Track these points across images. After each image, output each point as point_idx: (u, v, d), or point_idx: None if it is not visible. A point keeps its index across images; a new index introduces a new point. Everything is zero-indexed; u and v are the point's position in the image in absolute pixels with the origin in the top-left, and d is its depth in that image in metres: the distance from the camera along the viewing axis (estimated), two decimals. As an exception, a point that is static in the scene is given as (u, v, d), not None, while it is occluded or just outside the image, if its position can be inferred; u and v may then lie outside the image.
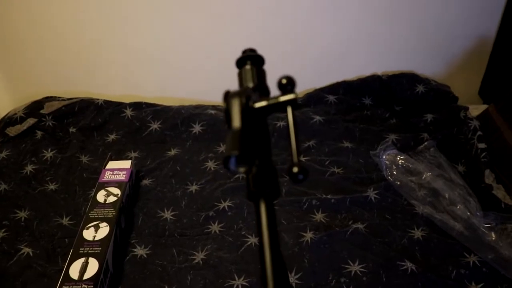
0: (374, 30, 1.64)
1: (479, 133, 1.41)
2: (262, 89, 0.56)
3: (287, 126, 0.50)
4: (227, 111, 0.50)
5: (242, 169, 0.45)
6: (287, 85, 0.50)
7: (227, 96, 0.51)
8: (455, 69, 1.73)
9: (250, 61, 0.58)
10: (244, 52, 0.59)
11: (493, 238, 1.17)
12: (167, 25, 1.63)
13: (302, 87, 1.69)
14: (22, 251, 1.17)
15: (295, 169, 0.46)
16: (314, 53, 1.67)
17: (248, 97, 0.51)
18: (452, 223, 1.22)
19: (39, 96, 1.65)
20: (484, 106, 1.56)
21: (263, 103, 0.51)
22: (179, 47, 1.67)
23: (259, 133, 0.51)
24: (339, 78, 1.67)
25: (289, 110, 0.50)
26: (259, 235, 0.47)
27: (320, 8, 1.59)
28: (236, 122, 0.48)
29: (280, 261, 0.47)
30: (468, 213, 1.22)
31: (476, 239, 1.18)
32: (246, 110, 0.49)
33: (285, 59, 1.62)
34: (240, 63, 0.59)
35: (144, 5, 1.58)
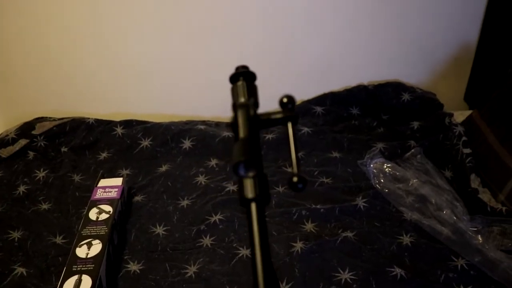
0: (358, 40, 1.68)
1: (464, 138, 1.43)
2: (253, 104, 0.60)
3: (286, 139, 0.56)
4: (235, 121, 0.55)
5: (251, 174, 0.50)
6: (288, 103, 0.58)
7: (235, 106, 0.57)
8: (439, 76, 1.77)
9: (243, 77, 0.62)
10: (237, 68, 0.64)
11: (480, 241, 1.19)
12: (155, 42, 1.66)
13: (290, 100, 1.72)
14: (16, 271, 1.18)
15: (295, 179, 0.51)
16: (300, 66, 1.70)
17: (254, 109, 0.57)
18: (440, 228, 1.24)
19: (30, 117, 1.67)
20: (470, 112, 1.59)
21: (267, 116, 0.57)
22: (168, 64, 1.70)
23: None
24: (326, 90, 1.70)
25: (290, 125, 0.57)
26: (250, 239, 0.50)
27: (304, 22, 1.63)
28: (244, 131, 0.53)
29: (271, 267, 0.49)
30: (455, 218, 1.24)
31: (463, 243, 1.20)
32: (252, 121, 0.55)
33: (271, 73, 1.65)
34: (233, 79, 0.63)
35: (132, 23, 1.61)
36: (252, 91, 0.62)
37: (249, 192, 0.50)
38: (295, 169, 0.53)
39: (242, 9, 1.61)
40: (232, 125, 0.55)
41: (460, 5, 1.63)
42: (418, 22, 1.65)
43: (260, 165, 0.52)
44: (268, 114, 0.57)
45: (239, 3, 1.59)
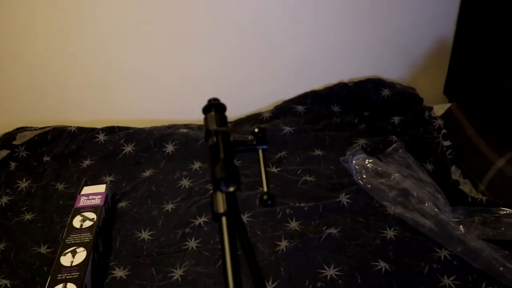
0: (338, 39, 1.70)
1: (443, 131, 1.45)
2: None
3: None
4: (216, 144, 0.65)
5: (231, 189, 0.59)
6: (259, 133, 0.69)
7: (217, 132, 0.66)
8: (419, 71, 1.79)
9: (214, 108, 0.72)
10: (209, 101, 0.73)
11: (462, 232, 1.21)
12: (136, 48, 1.66)
13: (271, 100, 1.73)
14: (0, 283, 1.17)
15: (265, 197, 0.62)
16: (281, 66, 1.71)
17: (232, 136, 0.67)
18: (423, 221, 1.26)
19: (10, 128, 1.66)
20: (449, 105, 1.61)
21: (242, 143, 0.68)
22: (149, 68, 1.70)
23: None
24: (307, 88, 1.71)
25: (260, 152, 0.68)
26: (222, 250, 0.57)
27: (281, 22, 1.64)
28: (223, 153, 0.64)
29: (239, 277, 0.55)
30: (437, 210, 1.26)
31: (445, 234, 1.22)
32: (231, 145, 0.65)
33: (253, 73, 1.66)
34: (205, 110, 0.72)
35: (112, 30, 1.61)
36: (223, 120, 0.71)
37: (220, 207, 0.58)
38: (265, 189, 0.64)
39: (223, 12, 1.61)
40: (212, 147, 0.65)
41: (435, 0, 1.65)
42: (395, 19, 1.67)
43: (238, 181, 0.60)
44: (243, 142, 0.68)
45: (220, 6, 1.60)
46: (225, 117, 0.72)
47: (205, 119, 0.71)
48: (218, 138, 0.65)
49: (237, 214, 0.62)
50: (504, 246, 1.16)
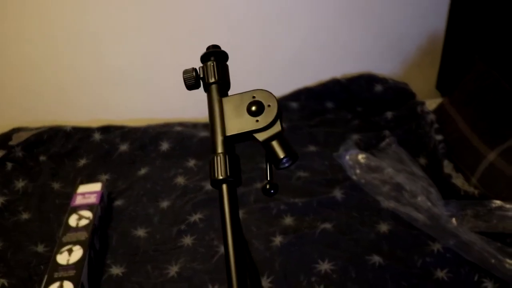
0: (330, 36, 1.71)
1: (435, 125, 1.47)
2: (223, 84, 0.60)
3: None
4: (277, 114, 0.57)
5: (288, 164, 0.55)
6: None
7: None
8: (411, 66, 1.80)
9: (214, 57, 0.62)
10: (208, 48, 0.63)
11: (455, 225, 1.22)
12: (129, 47, 1.67)
13: (265, 97, 1.74)
14: (-2, 282, 1.18)
15: (268, 186, 0.56)
16: (272, 63, 1.72)
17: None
18: (416, 215, 1.27)
19: (6, 128, 1.67)
20: (441, 100, 1.63)
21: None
22: (143, 67, 1.71)
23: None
24: (300, 85, 1.72)
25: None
26: (222, 221, 0.51)
27: (274, 19, 1.65)
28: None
29: (242, 248, 0.51)
30: (430, 204, 1.27)
31: (438, 228, 1.23)
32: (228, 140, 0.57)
33: (246, 70, 1.66)
34: (204, 58, 0.62)
35: (106, 28, 1.62)
36: (222, 72, 0.61)
37: (220, 173, 0.52)
38: (268, 177, 0.57)
39: (217, 10, 1.62)
40: (256, 112, 0.56)
41: (426, -5, 1.66)
42: (387, 14, 1.68)
43: (231, 147, 0.55)
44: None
45: (214, 4, 1.61)
46: (226, 67, 0.62)
47: (203, 69, 0.61)
48: (280, 107, 0.57)
49: (239, 180, 0.53)
50: (496, 239, 1.17)
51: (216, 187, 0.53)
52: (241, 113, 0.56)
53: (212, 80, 0.59)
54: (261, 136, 0.56)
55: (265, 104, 0.57)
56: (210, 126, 0.57)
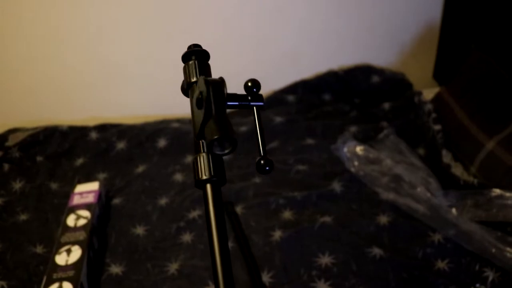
0: (326, 27, 1.69)
1: (433, 115, 1.46)
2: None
3: (254, 125, 0.57)
4: (206, 99, 0.53)
5: (227, 151, 0.51)
6: (253, 87, 0.58)
7: (207, 82, 0.54)
8: (407, 56, 1.79)
9: (195, 56, 0.60)
10: (189, 47, 0.61)
11: (455, 215, 1.22)
12: (124, 45, 1.65)
13: (262, 90, 1.72)
14: (-3, 284, 1.18)
15: (262, 162, 0.53)
16: (270, 55, 1.71)
17: (223, 87, 0.55)
18: (415, 206, 1.27)
19: (2, 129, 1.66)
20: (438, 89, 1.62)
21: (235, 102, 0.57)
22: (138, 64, 1.70)
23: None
24: (297, 78, 1.71)
25: (255, 110, 0.58)
26: (207, 221, 0.50)
27: (269, 12, 1.63)
28: (214, 108, 0.53)
29: (227, 248, 0.50)
30: (429, 194, 1.27)
31: (438, 218, 1.23)
32: (222, 99, 0.54)
33: (242, 64, 1.66)
34: (185, 58, 0.61)
35: (101, 26, 1.60)
36: (204, 71, 0.59)
37: (204, 173, 0.51)
38: (261, 152, 0.54)
39: (210, 4, 1.60)
40: (199, 102, 0.54)
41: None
42: (382, 5, 1.67)
43: (235, 140, 0.51)
44: (236, 96, 0.57)
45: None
46: (207, 66, 0.60)
47: (184, 70, 0.60)
48: (209, 90, 0.53)
49: (223, 179, 0.52)
50: (496, 228, 1.17)
51: (200, 187, 0.52)
52: (195, 108, 0.55)
53: (194, 79, 0.58)
54: None
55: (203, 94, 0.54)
56: (192, 126, 0.56)
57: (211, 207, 0.51)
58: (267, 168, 0.54)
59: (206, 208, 0.51)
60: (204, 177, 0.51)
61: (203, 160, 0.52)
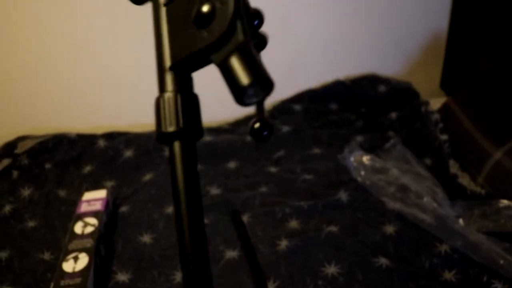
0: (332, 36, 1.70)
1: (440, 125, 1.46)
2: None
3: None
4: (231, 21, 0.36)
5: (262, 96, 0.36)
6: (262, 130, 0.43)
7: None
8: (414, 66, 1.79)
9: None
10: None
11: (461, 225, 1.21)
12: (131, 53, 1.67)
13: (269, 100, 1.73)
14: (5, 291, 1.19)
15: (257, 125, 0.40)
16: (276, 65, 1.71)
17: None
18: (422, 216, 1.26)
19: (11, 137, 1.68)
20: (445, 99, 1.62)
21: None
22: (146, 72, 1.71)
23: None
24: (303, 87, 1.72)
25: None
26: (173, 187, 0.38)
27: (275, 21, 1.64)
28: (241, 34, 0.35)
29: (201, 225, 0.39)
30: (435, 204, 1.26)
31: (445, 228, 1.22)
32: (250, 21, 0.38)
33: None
34: None
35: (106, 34, 1.62)
36: None
37: (169, 124, 0.36)
38: (259, 114, 0.40)
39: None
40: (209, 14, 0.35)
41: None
42: (388, 14, 1.68)
43: (186, 86, 0.36)
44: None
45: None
46: None
47: None
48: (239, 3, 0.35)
49: (199, 131, 0.37)
50: (504, 239, 1.16)
51: (165, 142, 0.37)
52: (189, 25, 0.37)
53: None
54: (217, 58, 0.35)
55: (216, 5, 0.35)
56: (155, 51, 0.40)
57: (179, 171, 0.37)
58: (265, 133, 0.41)
59: (173, 171, 0.37)
60: (171, 129, 0.36)
61: (169, 104, 0.36)
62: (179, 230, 0.39)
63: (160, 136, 0.37)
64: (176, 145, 0.37)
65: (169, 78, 0.38)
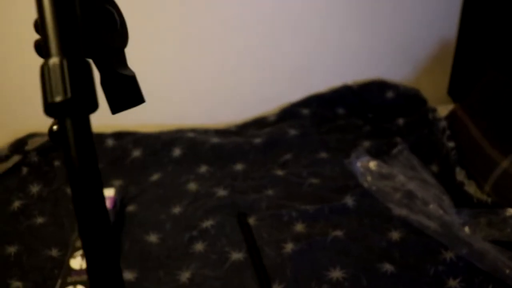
0: (340, 41, 1.71)
1: (447, 132, 1.46)
2: None
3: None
4: None
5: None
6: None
7: None
8: (422, 72, 1.80)
9: None
10: None
11: (467, 233, 1.22)
12: (139, 53, 1.68)
13: (277, 103, 1.75)
14: (12, 286, 1.20)
15: (55, 127, 0.33)
16: (285, 69, 1.73)
17: None
18: (427, 222, 1.27)
19: (21, 134, 1.69)
20: (453, 106, 1.62)
21: None
22: (155, 73, 1.73)
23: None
24: (311, 91, 1.73)
25: None
26: (66, 164, 0.33)
27: (284, 25, 1.65)
28: None
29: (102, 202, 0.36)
30: (441, 211, 1.27)
31: (451, 236, 1.22)
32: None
33: (256, 77, 1.68)
34: None
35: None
36: None
37: (56, 94, 0.31)
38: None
39: (227, 15, 1.63)
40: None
41: (437, 0, 1.66)
42: (397, 20, 1.68)
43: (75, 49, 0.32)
44: None
45: (220, 9, 1.62)
46: None
47: None
48: None
49: (93, 102, 0.33)
50: (510, 248, 1.16)
51: (54, 115, 0.32)
52: None
53: None
54: None
55: None
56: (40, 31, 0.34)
57: (72, 148, 0.33)
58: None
59: (66, 148, 0.32)
60: (57, 99, 0.31)
61: (55, 70, 0.31)
62: (78, 211, 0.36)
63: (47, 108, 0.32)
64: (68, 122, 0.34)
65: (53, 41, 0.33)
